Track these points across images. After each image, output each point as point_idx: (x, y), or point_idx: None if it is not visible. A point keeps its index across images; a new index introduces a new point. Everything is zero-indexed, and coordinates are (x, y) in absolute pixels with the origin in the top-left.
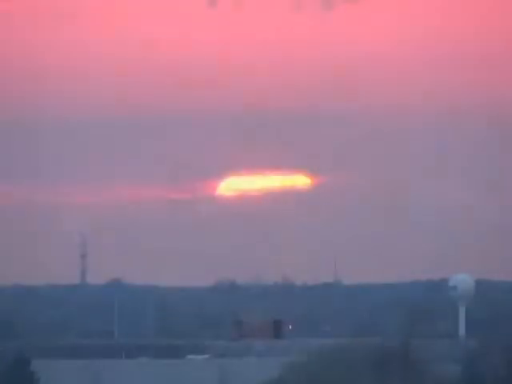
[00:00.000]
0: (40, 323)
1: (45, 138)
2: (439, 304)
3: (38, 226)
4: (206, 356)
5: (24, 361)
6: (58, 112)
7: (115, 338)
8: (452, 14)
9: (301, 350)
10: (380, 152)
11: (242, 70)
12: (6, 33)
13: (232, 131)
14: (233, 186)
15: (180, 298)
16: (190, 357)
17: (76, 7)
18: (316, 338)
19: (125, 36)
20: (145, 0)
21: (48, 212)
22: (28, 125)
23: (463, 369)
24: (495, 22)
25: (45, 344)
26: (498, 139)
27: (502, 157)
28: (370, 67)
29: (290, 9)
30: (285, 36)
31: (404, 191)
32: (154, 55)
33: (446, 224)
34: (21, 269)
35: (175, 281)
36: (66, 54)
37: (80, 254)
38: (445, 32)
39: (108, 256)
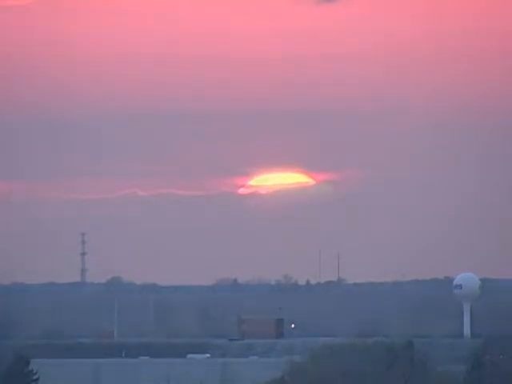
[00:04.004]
0: (39, 322)
1: (48, 134)
2: (444, 303)
3: (37, 225)
4: (207, 355)
5: (23, 359)
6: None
7: (115, 337)
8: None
9: (303, 350)
10: (386, 150)
11: (245, 67)
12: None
13: (240, 130)
14: (240, 184)
15: (180, 297)
16: (190, 356)
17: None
18: (319, 337)
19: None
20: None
21: (47, 210)
22: (27, 121)
23: (468, 368)
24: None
25: (44, 343)
26: (505, 140)
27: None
28: (371, 62)
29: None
30: (285, 29)
31: (409, 190)
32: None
33: (450, 223)
34: (20, 267)
35: (175, 279)
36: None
37: (80, 252)
38: (446, 28)
39: (107, 254)
